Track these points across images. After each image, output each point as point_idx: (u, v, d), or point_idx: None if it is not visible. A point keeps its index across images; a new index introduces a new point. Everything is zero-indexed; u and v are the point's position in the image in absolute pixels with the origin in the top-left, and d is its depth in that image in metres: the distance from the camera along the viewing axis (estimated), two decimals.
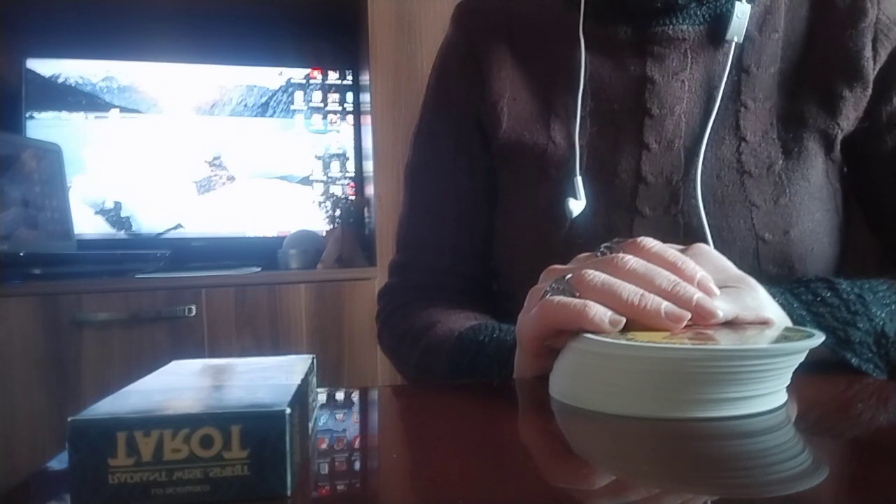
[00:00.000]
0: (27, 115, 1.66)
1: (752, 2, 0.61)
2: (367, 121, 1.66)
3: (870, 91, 0.59)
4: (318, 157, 1.82)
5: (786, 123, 0.59)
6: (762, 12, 0.62)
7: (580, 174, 0.60)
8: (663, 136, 0.60)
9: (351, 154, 1.84)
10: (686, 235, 0.58)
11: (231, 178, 1.77)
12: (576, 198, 0.60)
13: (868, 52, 0.59)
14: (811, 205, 0.58)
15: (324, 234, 1.73)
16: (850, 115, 0.59)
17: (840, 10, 0.60)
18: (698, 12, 0.61)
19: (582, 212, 0.60)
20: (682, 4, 0.60)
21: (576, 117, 0.62)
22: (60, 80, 1.69)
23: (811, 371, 0.37)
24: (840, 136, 0.60)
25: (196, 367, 0.33)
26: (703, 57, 0.61)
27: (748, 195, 0.58)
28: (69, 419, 0.23)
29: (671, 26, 0.61)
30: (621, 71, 0.62)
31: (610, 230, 0.59)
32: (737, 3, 0.60)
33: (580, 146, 0.61)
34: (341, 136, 1.84)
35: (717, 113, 0.59)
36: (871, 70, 0.59)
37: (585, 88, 0.63)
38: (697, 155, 0.58)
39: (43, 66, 1.68)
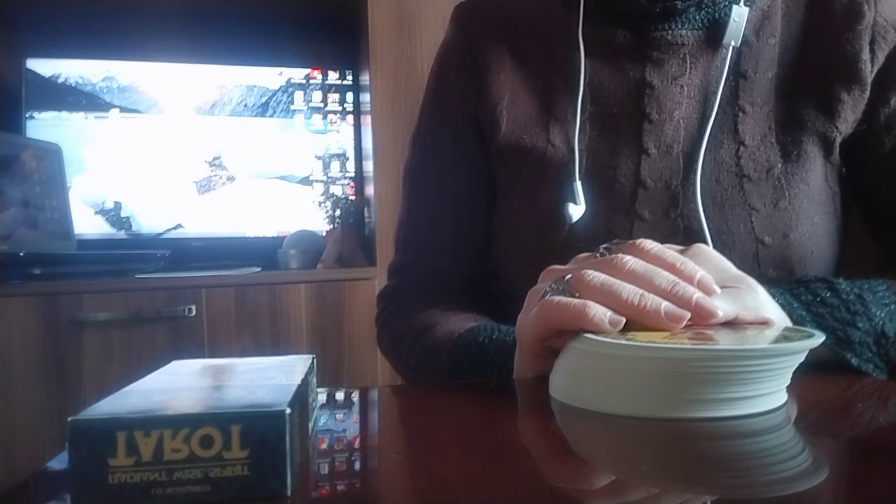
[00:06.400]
0: (27, 115, 1.66)
1: (749, 5, 0.61)
2: (367, 121, 1.66)
3: (868, 93, 0.59)
4: (318, 157, 1.82)
5: (784, 127, 0.60)
6: (759, 17, 0.62)
7: (579, 178, 0.60)
8: (662, 140, 0.60)
9: (351, 154, 1.84)
10: (686, 239, 0.57)
11: (231, 178, 1.77)
12: (575, 202, 0.60)
13: (865, 55, 0.59)
14: (810, 208, 0.59)
15: (324, 234, 1.73)
16: (848, 117, 0.59)
17: (837, 13, 0.60)
18: (697, 17, 0.61)
19: (581, 215, 0.60)
20: (681, 9, 0.60)
21: (575, 121, 0.62)
22: (60, 80, 1.69)
23: (811, 371, 0.37)
24: (838, 139, 0.60)
25: (196, 367, 0.33)
26: (702, 62, 0.61)
27: (747, 199, 0.58)
28: (69, 419, 0.23)
29: (670, 31, 0.61)
30: (620, 75, 0.62)
31: (609, 233, 0.59)
32: (734, 7, 0.60)
33: (579, 150, 0.61)
34: (341, 136, 1.84)
35: (716, 117, 0.59)
36: (869, 72, 0.59)
37: (585, 92, 0.63)
38: (696, 159, 0.58)
39: (43, 66, 1.68)
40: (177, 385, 0.28)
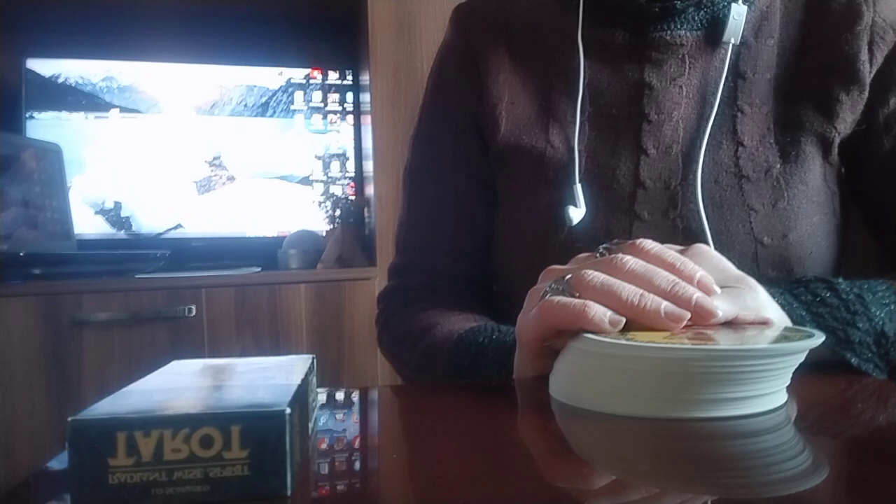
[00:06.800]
0: (27, 115, 1.66)
1: (748, 4, 0.61)
2: (367, 121, 1.66)
3: (866, 94, 0.59)
4: (318, 157, 1.82)
5: (783, 128, 0.60)
6: (758, 18, 0.62)
7: (579, 180, 0.60)
8: (661, 141, 0.60)
9: (351, 154, 1.84)
10: (685, 239, 0.58)
11: (231, 178, 1.77)
12: (575, 205, 0.60)
13: (864, 56, 0.59)
14: (809, 208, 0.59)
15: (324, 234, 1.73)
16: (846, 118, 0.59)
17: (836, 14, 0.60)
18: (696, 17, 0.61)
19: (581, 217, 0.60)
20: (680, 9, 0.60)
21: (574, 122, 0.62)
22: (60, 80, 1.69)
23: (811, 371, 0.37)
24: (837, 140, 0.60)
25: (196, 367, 0.33)
26: (701, 62, 0.61)
27: (746, 199, 0.58)
28: (69, 419, 0.23)
29: (669, 32, 0.61)
30: (619, 76, 0.62)
31: (609, 233, 0.59)
32: (733, 5, 0.60)
33: (578, 151, 0.61)
34: (341, 136, 1.84)
35: (715, 118, 0.59)
36: (868, 73, 0.59)
37: (584, 93, 0.63)
38: (696, 160, 0.58)
39: (43, 66, 1.68)
40: (177, 385, 0.28)
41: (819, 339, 0.34)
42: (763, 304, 0.41)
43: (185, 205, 1.73)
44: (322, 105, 1.83)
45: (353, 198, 1.82)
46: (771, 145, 0.59)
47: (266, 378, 0.29)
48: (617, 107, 0.62)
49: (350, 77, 1.84)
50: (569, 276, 0.39)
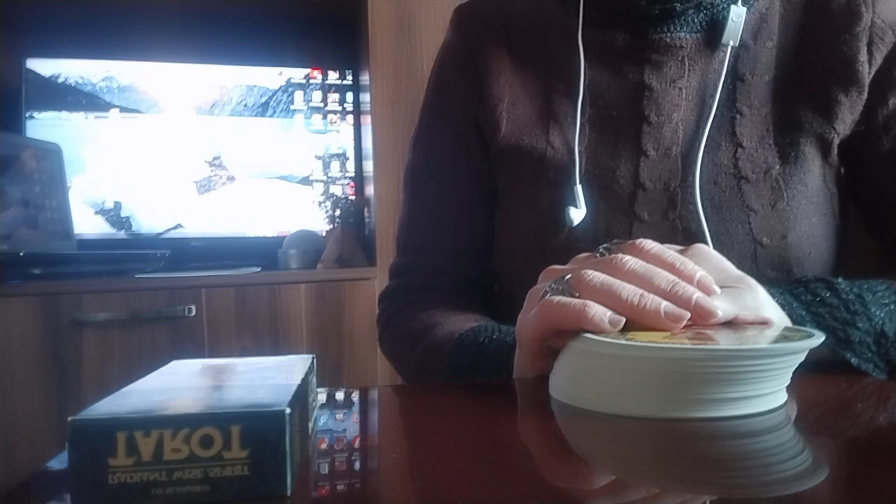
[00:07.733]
0: (27, 115, 1.66)
1: (747, 6, 0.61)
2: (367, 121, 1.66)
3: (865, 95, 0.59)
4: (318, 157, 1.82)
5: (782, 129, 0.60)
6: (757, 20, 0.62)
7: (579, 181, 0.60)
8: (661, 142, 0.60)
9: (351, 154, 1.84)
10: (685, 240, 0.58)
11: (231, 178, 1.77)
12: (575, 205, 0.60)
13: (863, 56, 0.59)
14: (808, 209, 0.59)
15: (324, 234, 1.73)
16: (846, 119, 0.59)
17: (835, 15, 0.60)
18: (696, 19, 0.61)
19: (582, 218, 0.60)
20: (680, 11, 0.60)
21: (575, 123, 0.62)
22: (60, 80, 1.69)
23: (811, 371, 0.37)
24: (836, 141, 0.60)
25: (196, 367, 0.33)
26: (700, 64, 0.61)
27: (745, 200, 0.58)
28: (69, 419, 0.23)
29: (669, 34, 0.61)
30: (619, 78, 0.63)
31: (609, 234, 0.59)
32: (732, 7, 0.60)
33: (579, 152, 0.61)
34: (341, 136, 1.84)
35: (714, 120, 0.59)
36: (867, 74, 0.59)
37: (584, 95, 0.63)
38: (695, 161, 0.59)
39: (43, 66, 1.68)
40: (177, 385, 0.28)
41: (819, 339, 0.34)
42: (763, 304, 0.41)
43: (184, 205, 1.73)
44: (322, 105, 1.83)
45: (353, 198, 1.82)
46: (770, 146, 0.59)
47: (266, 378, 0.29)
48: (617, 108, 0.62)
49: (350, 77, 1.84)
50: (569, 276, 0.39)
